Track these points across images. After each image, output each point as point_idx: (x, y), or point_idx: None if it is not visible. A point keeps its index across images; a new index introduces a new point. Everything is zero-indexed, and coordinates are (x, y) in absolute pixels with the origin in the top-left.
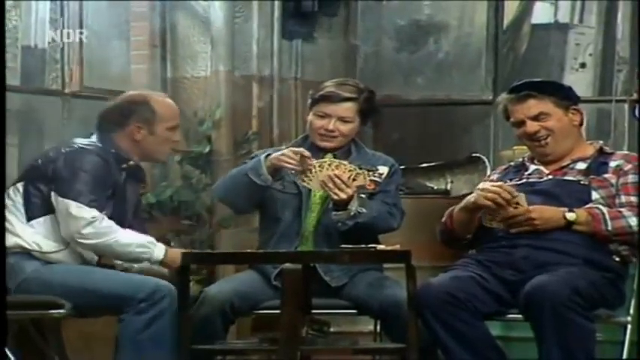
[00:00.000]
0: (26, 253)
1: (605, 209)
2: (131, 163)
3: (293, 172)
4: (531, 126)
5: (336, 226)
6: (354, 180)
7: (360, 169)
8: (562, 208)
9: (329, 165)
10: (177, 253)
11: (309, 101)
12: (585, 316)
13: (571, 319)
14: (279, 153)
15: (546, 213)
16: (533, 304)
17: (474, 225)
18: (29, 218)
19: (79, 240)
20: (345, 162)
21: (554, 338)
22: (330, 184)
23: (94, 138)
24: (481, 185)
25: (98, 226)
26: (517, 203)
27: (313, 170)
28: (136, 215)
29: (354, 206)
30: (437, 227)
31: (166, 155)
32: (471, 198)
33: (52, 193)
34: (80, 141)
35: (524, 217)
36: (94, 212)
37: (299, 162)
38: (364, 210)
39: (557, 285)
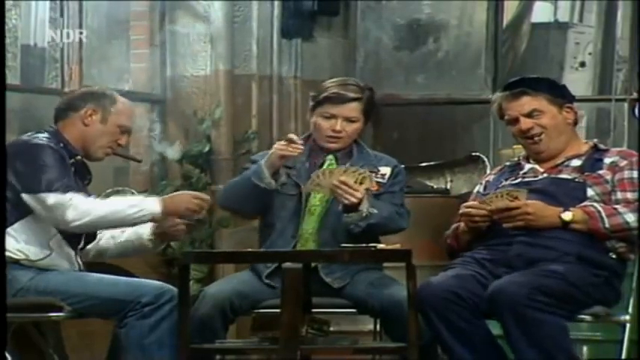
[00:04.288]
0: (15, 263)
1: (600, 207)
2: (78, 158)
3: (295, 174)
4: (525, 123)
5: (349, 229)
6: (361, 183)
7: (370, 172)
8: (558, 208)
9: (332, 172)
10: (174, 198)
11: (312, 103)
12: (551, 312)
13: (534, 317)
14: (277, 148)
15: (543, 210)
16: (493, 306)
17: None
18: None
19: (72, 226)
20: (352, 167)
21: (522, 338)
22: (340, 191)
23: (42, 134)
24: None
25: (79, 207)
26: (515, 197)
27: (321, 176)
28: None
29: (365, 207)
30: (441, 242)
31: (104, 152)
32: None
33: (23, 195)
34: (30, 137)
35: (519, 212)
36: (70, 194)
37: (295, 147)
38: (375, 210)
39: (517, 286)
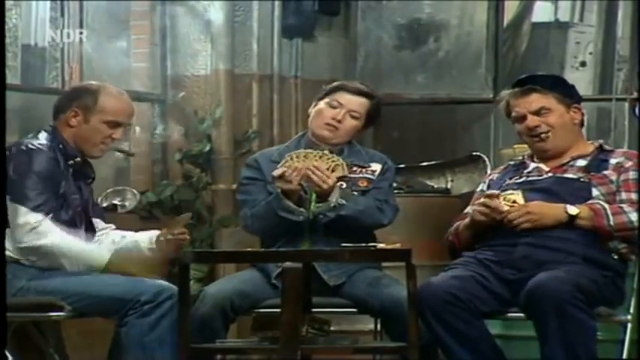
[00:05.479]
0: (15, 262)
1: (606, 205)
2: (77, 159)
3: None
4: (532, 120)
5: (319, 219)
6: (332, 171)
7: (351, 165)
8: (561, 204)
9: (307, 156)
10: (125, 259)
11: (322, 92)
12: (587, 313)
13: (574, 315)
14: (280, 184)
15: (544, 208)
16: (535, 301)
17: (478, 239)
18: None
19: (21, 246)
20: (327, 154)
21: (557, 335)
22: (313, 176)
23: (42, 134)
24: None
25: (40, 230)
26: (514, 201)
27: (295, 159)
28: (93, 212)
29: (334, 198)
30: (442, 241)
31: (99, 150)
32: (469, 217)
33: (8, 197)
34: (28, 140)
35: (519, 214)
36: (39, 216)
37: (293, 176)
38: (344, 202)
39: (559, 282)
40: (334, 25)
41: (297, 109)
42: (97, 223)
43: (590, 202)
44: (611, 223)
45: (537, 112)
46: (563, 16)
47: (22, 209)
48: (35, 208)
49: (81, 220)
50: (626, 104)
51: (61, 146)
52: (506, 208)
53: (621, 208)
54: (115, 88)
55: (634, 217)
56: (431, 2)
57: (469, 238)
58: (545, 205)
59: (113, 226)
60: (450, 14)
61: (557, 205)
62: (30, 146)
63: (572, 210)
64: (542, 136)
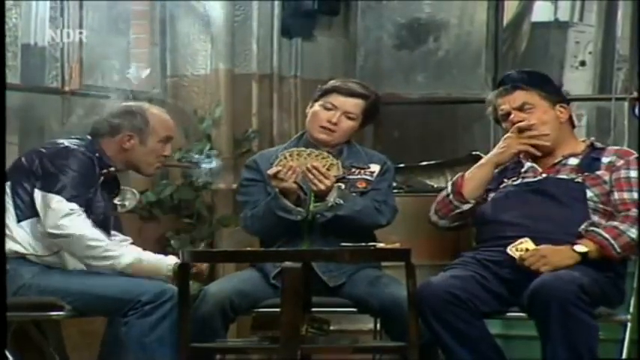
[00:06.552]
0: (21, 258)
1: (604, 232)
2: (111, 169)
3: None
4: (517, 116)
5: (316, 218)
6: (328, 170)
7: (350, 167)
8: (568, 246)
9: (299, 154)
10: (147, 266)
11: (317, 94)
12: (590, 314)
13: (577, 316)
14: (275, 183)
15: (556, 250)
16: (539, 301)
17: (485, 185)
18: (19, 220)
19: (53, 231)
20: (322, 153)
21: (561, 335)
22: (311, 176)
23: (76, 141)
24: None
25: (75, 219)
26: (526, 249)
27: (288, 157)
28: (113, 224)
29: (332, 197)
30: (432, 206)
31: (153, 169)
32: (500, 152)
33: (36, 190)
34: (64, 141)
35: (534, 259)
36: (74, 205)
37: (288, 175)
38: (342, 202)
39: (564, 282)
40: (334, 24)
41: (296, 108)
42: (116, 235)
43: (588, 232)
44: (618, 250)
45: (520, 108)
46: (563, 15)
47: (56, 197)
48: (70, 198)
49: (100, 229)
50: (626, 104)
51: (97, 155)
52: (519, 255)
53: (617, 228)
54: (155, 106)
55: (632, 233)
56: (431, 2)
57: (482, 179)
58: (554, 248)
59: (130, 240)
60: (450, 14)
61: (564, 248)
62: (68, 145)
63: (580, 248)
64: (528, 132)
